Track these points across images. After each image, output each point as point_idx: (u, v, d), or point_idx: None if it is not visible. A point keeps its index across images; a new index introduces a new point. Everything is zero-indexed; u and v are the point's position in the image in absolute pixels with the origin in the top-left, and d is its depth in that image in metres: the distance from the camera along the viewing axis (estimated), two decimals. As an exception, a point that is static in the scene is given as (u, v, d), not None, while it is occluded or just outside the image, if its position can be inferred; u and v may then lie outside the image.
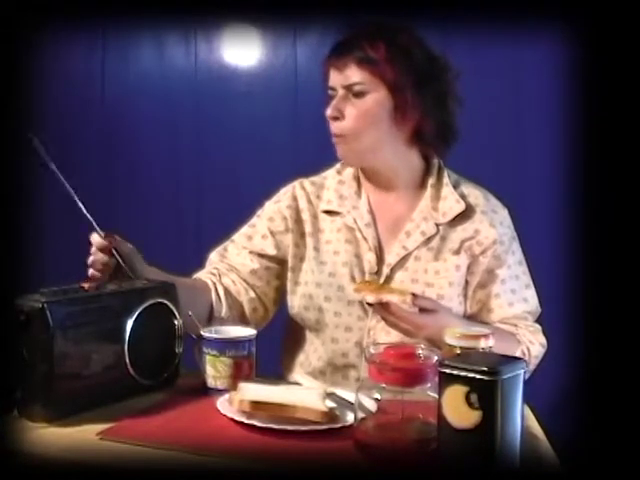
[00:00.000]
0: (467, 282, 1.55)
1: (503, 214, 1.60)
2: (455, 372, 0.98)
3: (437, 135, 1.54)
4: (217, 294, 1.57)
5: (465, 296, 1.55)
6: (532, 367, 1.55)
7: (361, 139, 1.51)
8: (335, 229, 1.59)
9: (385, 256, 1.55)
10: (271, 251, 1.61)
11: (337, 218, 1.59)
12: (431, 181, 1.58)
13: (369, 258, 1.54)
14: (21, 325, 1.17)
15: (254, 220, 1.66)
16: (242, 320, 1.58)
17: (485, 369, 0.97)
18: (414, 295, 1.38)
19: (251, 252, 1.62)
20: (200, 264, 1.65)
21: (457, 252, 1.54)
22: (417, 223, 1.55)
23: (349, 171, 1.63)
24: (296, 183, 1.67)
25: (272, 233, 1.62)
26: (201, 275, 1.61)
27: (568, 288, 2.46)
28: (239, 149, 2.80)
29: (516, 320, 1.56)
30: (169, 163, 2.91)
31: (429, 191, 1.57)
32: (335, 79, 1.51)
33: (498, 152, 2.56)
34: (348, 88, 1.49)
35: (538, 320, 1.62)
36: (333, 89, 1.52)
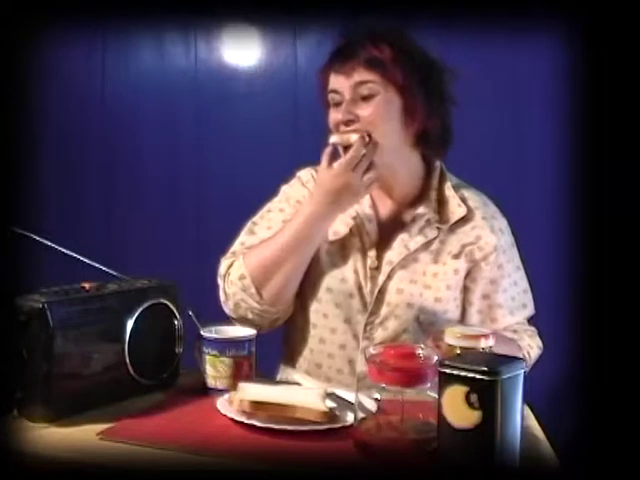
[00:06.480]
0: (467, 288, 1.55)
1: (503, 222, 1.60)
2: (455, 372, 0.98)
3: (440, 136, 1.54)
4: None
5: (465, 301, 1.55)
6: (527, 369, 1.55)
7: (377, 137, 1.49)
8: (338, 220, 1.57)
9: (386, 253, 1.55)
10: None
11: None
12: (433, 184, 1.58)
13: (371, 254, 1.55)
14: (21, 325, 1.17)
15: (281, 205, 1.63)
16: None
17: (485, 369, 0.97)
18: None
19: None
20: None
21: (457, 256, 1.53)
22: (419, 225, 1.55)
23: None
24: (310, 168, 1.66)
25: None
26: None
27: (569, 289, 2.46)
28: (239, 149, 2.80)
29: (516, 326, 1.58)
30: (169, 163, 2.91)
31: (431, 194, 1.57)
32: (341, 83, 1.49)
33: (497, 153, 2.56)
34: (356, 91, 1.47)
35: (533, 319, 1.62)
36: (337, 92, 1.50)
